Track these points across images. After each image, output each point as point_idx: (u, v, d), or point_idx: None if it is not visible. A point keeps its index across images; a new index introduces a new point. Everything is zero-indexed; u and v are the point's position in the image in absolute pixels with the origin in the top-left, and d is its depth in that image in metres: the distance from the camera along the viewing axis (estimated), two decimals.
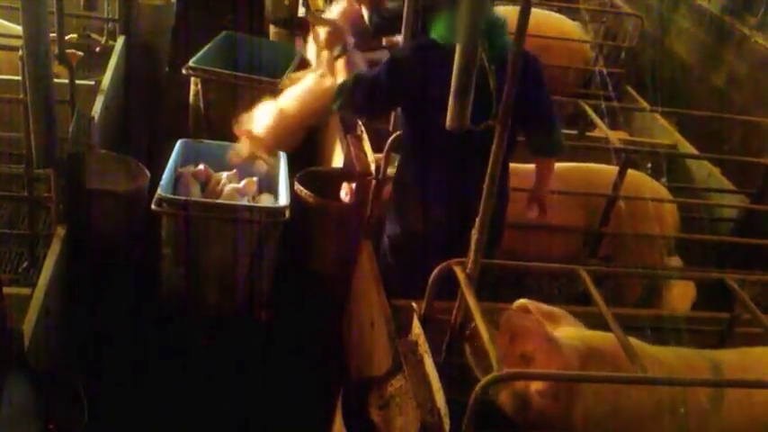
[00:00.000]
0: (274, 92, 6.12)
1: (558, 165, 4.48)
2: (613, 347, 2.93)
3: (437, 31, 3.97)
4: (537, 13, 6.69)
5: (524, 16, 2.64)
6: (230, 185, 5.25)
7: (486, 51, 3.58)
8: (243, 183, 5.31)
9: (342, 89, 4.03)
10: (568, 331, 3.14)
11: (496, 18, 3.92)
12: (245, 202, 5.14)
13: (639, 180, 5.05)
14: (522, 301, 3.26)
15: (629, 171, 4.75)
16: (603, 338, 3.05)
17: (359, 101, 4.01)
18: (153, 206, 4.74)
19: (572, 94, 6.71)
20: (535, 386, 2.89)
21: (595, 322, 3.14)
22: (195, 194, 5.15)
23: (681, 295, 4.88)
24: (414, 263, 3.87)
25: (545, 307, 3.24)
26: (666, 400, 2.96)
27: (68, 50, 4.77)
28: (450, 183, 4.02)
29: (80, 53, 5.90)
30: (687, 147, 6.25)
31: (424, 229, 4.13)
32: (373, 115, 4.64)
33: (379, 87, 3.94)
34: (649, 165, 5.43)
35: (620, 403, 2.95)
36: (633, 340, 2.91)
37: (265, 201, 5.26)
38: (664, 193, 5.14)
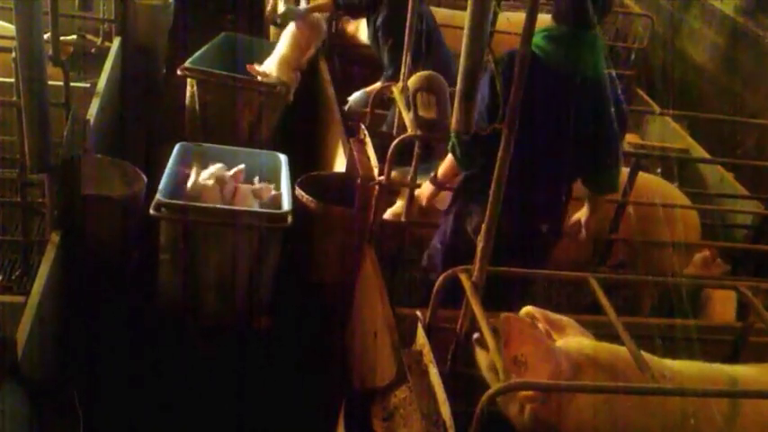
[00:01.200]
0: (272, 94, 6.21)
1: None
2: (610, 357, 2.96)
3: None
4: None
5: (531, 18, 2.65)
6: (246, 186, 5.22)
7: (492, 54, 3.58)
8: (257, 185, 5.29)
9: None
10: (572, 340, 3.14)
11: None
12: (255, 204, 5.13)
13: (657, 185, 5.06)
14: (527, 308, 3.27)
15: (646, 175, 4.76)
16: (601, 348, 3.06)
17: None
18: (151, 211, 4.73)
19: None
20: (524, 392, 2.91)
21: (605, 332, 3.14)
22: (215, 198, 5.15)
23: (723, 300, 4.88)
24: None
25: (551, 315, 3.25)
26: (677, 417, 2.96)
27: (61, 38, 4.77)
28: (525, 194, 4.04)
29: (70, 47, 5.91)
30: (699, 151, 6.26)
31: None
32: None
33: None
34: (659, 170, 5.43)
35: (619, 415, 2.95)
36: (644, 354, 2.92)
37: (266, 194, 5.24)
38: (682, 198, 5.14)
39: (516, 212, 3.99)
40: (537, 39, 3.98)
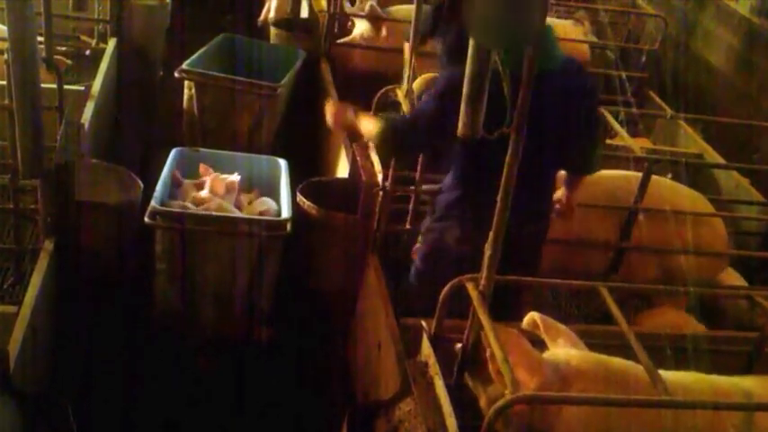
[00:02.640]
0: (273, 97, 6.20)
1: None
2: (598, 368, 2.96)
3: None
4: None
5: (541, 19, 2.65)
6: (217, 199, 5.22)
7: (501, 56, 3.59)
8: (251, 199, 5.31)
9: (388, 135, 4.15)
10: (560, 351, 3.14)
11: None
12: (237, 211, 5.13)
13: (679, 190, 5.07)
14: (531, 314, 3.27)
15: (668, 181, 4.76)
16: (590, 359, 3.06)
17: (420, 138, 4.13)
18: (146, 219, 4.73)
19: None
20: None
21: (617, 342, 3.14)
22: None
23: None
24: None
25: (550, 322, 3.24)
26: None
27: (56, 57, 4.78)
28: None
29: (68, 61, 5.92)
30: (713, 155, 6.25)
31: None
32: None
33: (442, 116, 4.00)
34: (669, 175, 5.42)
35: (613, 427, 2.95)
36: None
37: (259, 206, 5.25)
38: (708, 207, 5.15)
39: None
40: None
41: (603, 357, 3.08)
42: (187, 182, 5.25)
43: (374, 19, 7.10)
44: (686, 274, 4.52)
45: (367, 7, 7.00)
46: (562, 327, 3.24)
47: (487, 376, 3.02)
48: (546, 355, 3.07)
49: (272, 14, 7.54)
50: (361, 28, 7.22)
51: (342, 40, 7.21)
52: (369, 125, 4.24)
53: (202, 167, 5.32)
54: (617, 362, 3.06)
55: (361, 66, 7.16)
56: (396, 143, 4.20)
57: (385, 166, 4.51)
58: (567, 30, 7.47)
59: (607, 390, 2.92)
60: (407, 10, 6.86)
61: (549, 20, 7.50)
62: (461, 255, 4.10)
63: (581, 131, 4.01)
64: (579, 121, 3.97)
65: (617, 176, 5.03)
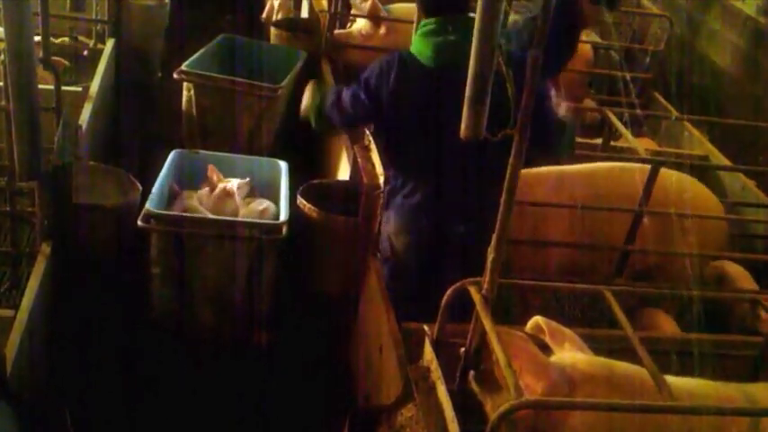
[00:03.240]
0: (273, 98, 6.19)
1: (585, 166, 4.53)
2: (606, 373, 2.95)
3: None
4: None
5: (545, 19, 2.65)
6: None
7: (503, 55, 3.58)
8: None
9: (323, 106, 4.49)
10: (567, 355, 3.13)
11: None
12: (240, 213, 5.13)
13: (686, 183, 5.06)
14: (536, 318, 3.26)
15: (675, 173, 4.75)
16: (596, 363, 3.05)
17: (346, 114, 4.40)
18: (140, 222, 4.71)
19: (599, 102, 6.75)
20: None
21: (621, 346, 3.13)
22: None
23: None
24: (426, 286, 3.89)
25: (555, 326, 3.23)
26: None
27: (54, 58, 4.78)
28: (444, 195, 4.09)
29: (66, 62, 5.92)
30: (719, 157, 6.24)
31: (434, 251, 4.19)
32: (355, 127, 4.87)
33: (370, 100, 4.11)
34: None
35: None
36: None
37: (256, 207, 5.25)
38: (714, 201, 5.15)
39: (432, 214, 4.06)
40: (415, 40, 4.04)
41: (610, 362, 3.07)
42: (186, 192, 5.25)
43: (375, 17, 7.10)
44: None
45: (368, 4, 6.98)
46: (567, 331, 3.23)
47: (494, 382, 3.02)
48: (552, 359, 3.06)
49: (277, 14, 7.53)
50: (360, 23, 7.22)
51: (339, 32, 7.18)
52: (308, 95, 4.46)
53: (211, 169, 5.31)
54: (624, 366, 3.05)
55: (358, 60, 7.17)
56: (318, 117, 4.57)
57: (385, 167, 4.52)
58: None
59: (614, 395, 2.91)
60: (408, 8, 6.88)
61: None
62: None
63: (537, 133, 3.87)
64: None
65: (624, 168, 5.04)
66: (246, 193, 5.30)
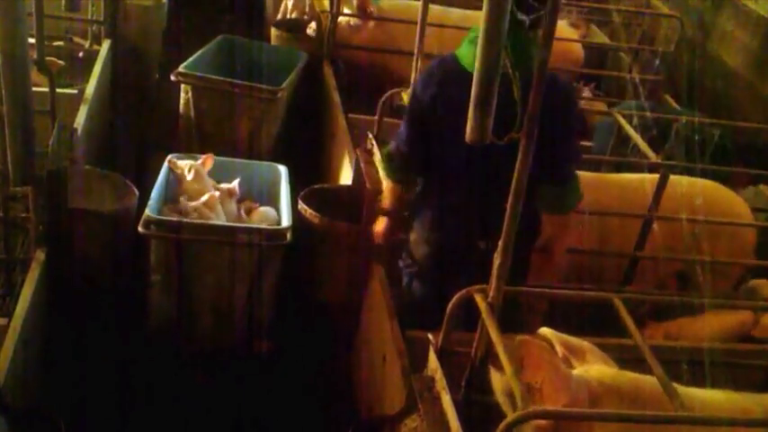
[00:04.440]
0: (274, 101, 6.20)
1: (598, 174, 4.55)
2: (633, 387, 2.94)
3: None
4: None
5: (552, 21, 2.65)
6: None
7: (510, 57, 3.57)
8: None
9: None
10: (593, 368, 3.13)
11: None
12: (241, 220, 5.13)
13: (715, 192, 5.07)
14: (543, 330, 3.25)
15: (702, 181, 4.77)
16: (622, 377, 3.04)
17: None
18: (140, 228, 4.72)
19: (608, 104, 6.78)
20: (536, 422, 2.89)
21: (630, 356, 3.13)
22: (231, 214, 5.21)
23: None
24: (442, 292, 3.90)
25: (570, 339, 3.22)
26: None
27: (48, 58, 4.78)
28: (471, 206, 4.07)
29: (61, 62, 5.92)
30: None
31: (453, 264, 4.19)
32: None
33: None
34: None
35: None
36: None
37: (259, 216, 5.25)
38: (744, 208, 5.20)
39: (453, 228, 4.05)
40: (462, 44, 4.02)
41: (636, 376, 3.06)
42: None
43: (363, 12, 7.13)
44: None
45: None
46: (586, 343, 3.22)
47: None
48: (575, 372, 3.05)
49: (291, 14, 7.53)
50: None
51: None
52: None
53: (171, 162, 5.32)
54: (650, 381, 3.03)
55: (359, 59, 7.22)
56: (390, 172, 4.39)
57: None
58: (563, 32, 7.47)
59: (638, 409, 2.90)
60: (401, 5, 6.95)
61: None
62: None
63: (555, 143, 3.76)
64: (554, 132, 3.81)
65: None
66: (239, 197, 5.31)
